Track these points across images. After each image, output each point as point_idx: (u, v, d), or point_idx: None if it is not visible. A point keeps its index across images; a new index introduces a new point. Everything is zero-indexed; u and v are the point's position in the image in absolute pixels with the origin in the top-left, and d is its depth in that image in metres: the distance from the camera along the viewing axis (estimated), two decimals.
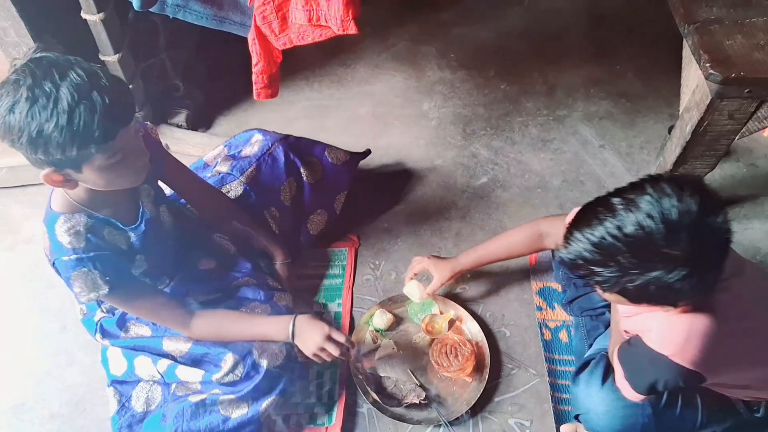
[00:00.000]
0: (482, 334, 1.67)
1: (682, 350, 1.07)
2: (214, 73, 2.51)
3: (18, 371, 1.70)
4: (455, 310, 1.73)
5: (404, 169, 2.17)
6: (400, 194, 2.08)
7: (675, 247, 0.93)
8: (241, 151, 1.82)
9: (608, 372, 1.31)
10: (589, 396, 1.30)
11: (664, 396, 1.26)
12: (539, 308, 1.76)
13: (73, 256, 1.24)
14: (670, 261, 0.94)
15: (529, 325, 1.73)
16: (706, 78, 1.40)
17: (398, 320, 1.74)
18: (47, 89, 1.04)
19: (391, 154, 2.23)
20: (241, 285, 1.64)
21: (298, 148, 1.83)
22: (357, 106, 2.44)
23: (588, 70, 2.57)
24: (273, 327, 1.48)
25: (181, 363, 1.50)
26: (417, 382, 1.59)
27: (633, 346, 1.20)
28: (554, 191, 2.10)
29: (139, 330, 1.54)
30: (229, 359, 1.43)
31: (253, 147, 1.80)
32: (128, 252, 1.39)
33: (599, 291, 1.08)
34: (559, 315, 1.74)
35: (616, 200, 1.00)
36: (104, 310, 1.57)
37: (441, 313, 1.72)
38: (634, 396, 1.20)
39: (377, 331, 1.71)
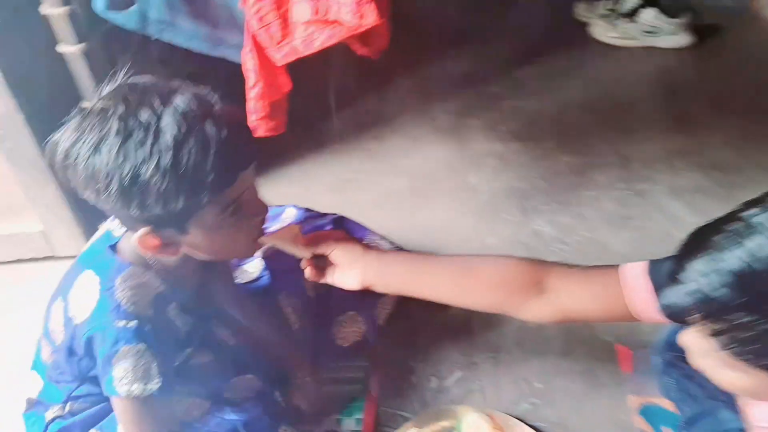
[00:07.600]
0: None
1: None
2: None
3: None
4: None
5: (448, 249, 1.76)
6: None
7: None
8: (269, 227, 1.47)
9: None
10: None
11: None
12: None
13: (133, 323, 0.91)
14: None
15: None
16: None
17: None
18: (144, 120, 0.80)
19: (431, 232, 1.84)
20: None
21: (339, 228, 1.53)
22: (391, 179, 2.10)
23: (668, 141, 2.19)
24: None
25: None
26: None
27: None
28: None
29: None
30: None
31: (283, 224, 1.49)
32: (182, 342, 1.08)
33: (738, 373, 0.70)
34: None
35: (751, 212, 0.68)
36: (65, 409, 1.12)
37: None
38: None
39: None
